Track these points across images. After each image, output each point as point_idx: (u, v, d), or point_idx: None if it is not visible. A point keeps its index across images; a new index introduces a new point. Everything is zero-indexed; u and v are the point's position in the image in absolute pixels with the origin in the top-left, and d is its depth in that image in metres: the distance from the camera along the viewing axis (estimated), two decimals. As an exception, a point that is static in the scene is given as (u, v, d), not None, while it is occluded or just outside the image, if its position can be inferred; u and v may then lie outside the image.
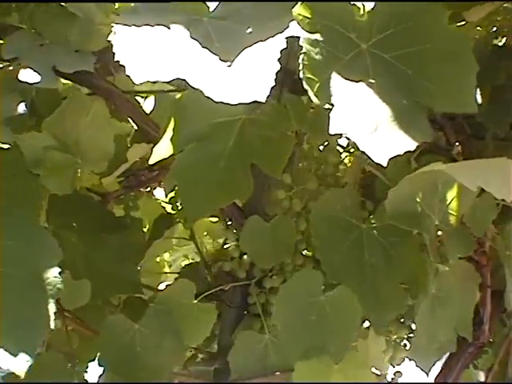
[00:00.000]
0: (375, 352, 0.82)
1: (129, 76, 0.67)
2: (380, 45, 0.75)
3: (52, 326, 0.66)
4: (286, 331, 0.75)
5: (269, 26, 0.74)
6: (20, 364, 0.64)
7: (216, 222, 1.06)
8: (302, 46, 0.70)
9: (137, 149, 0.85)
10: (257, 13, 0.76)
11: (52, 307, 0.67)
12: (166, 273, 1.14)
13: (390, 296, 0.79)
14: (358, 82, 0.72)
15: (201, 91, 0.78)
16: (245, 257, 0.87)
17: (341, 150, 0.98)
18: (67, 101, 0.79)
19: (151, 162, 0.78)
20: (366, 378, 0.74)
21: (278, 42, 0.70)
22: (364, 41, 0.75)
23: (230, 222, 1.01)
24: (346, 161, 1.02)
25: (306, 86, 0.69)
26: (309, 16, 0.73)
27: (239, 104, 0.66)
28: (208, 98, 0.73)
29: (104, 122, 0.82)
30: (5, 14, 0.80)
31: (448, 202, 0.79)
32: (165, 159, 0.80)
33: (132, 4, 0.77)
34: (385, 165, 0.66)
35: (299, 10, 0.73)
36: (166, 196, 1.00)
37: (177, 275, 1.04)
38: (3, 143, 0.69)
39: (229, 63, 0.70)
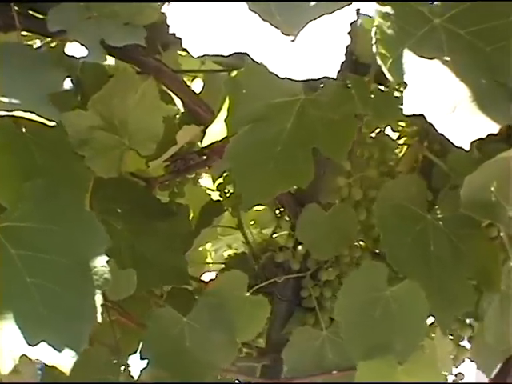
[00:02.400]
0: (441, 352, 0.74)
1: (181, 52, 0.61)
2: (455, 20, 0.66)
3: (99, 319, 0.60)
4: (348, 328, 0.68)
5: (334, -4, 0.66)
6: (64, 359, 0.57)
7: (261, 210, 0.99)
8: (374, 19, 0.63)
9: (187, 131, 0.78)
10: (320, -17, 0.68)
11: (99, 299, 0.60)
12: (209, 263, 1.07)
13: (457, 292, 0.70)
14: (431, 59, 0.65)
15: (260, 67, 0.71)
16: (299, 247, 0.80)
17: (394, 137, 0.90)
18: (115, 78, 0.71)
19: (204, 144, 0.71)
20: (435, 380, 0.67)
21: (348, 14, 0.62)
22: (437, 15, 0.67)
23: (278, 211, 0.94)
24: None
25: (379, 62, 0.61)
26: (379, -13, 0.66)
27: (304, 81, 0.59)
28: (272, 73, 0.67)
29: (153, 101, 0.74)
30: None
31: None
32: (216, 142, 0.73)
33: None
34: (467, 149, 0.58)
35: (371, -20, 0.66)
36: (214, 182, 0.93)
37: (221, 265, 0.97)
38: (49, 120, 0.62)
39: (292, 37, 0.63)
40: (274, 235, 0.96)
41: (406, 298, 0.68)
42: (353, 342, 0.68)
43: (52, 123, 0.61)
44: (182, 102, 0.79)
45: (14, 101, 0.62)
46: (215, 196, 0.97)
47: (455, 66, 0.64)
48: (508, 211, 0.69)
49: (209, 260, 1.08)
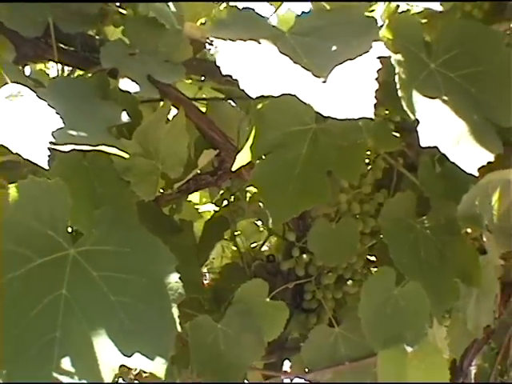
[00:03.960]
0: (439, 339, 0.91)
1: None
2: (446, 65, 0.84)
3: (179, 329, 0.69)
4: (368, 324, 0.82)
5: (352, 44, 0.80)
6: (158, 366, 0.67)
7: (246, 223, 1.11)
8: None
9: (206, 155, 0.88)
10: (338, 31, 0.82)
11: (175, 311, 0.70)
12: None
13: (444, 290, 0.87)
14: (434, 98, 0.80)
15: (279, 101, 0.84)
16: (304, 256, 0.93)
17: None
18: (159, 109, 0.81)
19: (234, 168, 0.82)
20: (440, 363, 0.83)
21: (373, 63, 0.76)
22: (432, 61, 0.83)
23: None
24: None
25: (403, 104, 0.76)
26: (391, 38, 0.81)
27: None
28: (290, 106, 0.81)
29: (181, 129, 0.84)
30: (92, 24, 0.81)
31: (493, 204, 0.89)
32: (243, 166, 0.84)
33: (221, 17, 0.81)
34: (476, 174, 0.74)
35: (384, 32, 0.80)
36: (212, 199, 1.04)
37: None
38: (126, 152, 0.69)
39: (323, 79, 0.76)
40: (255, 245, 1.10)
41: (410, 296, 0.84)
42: (373, 335, 0.82)
43: (126, 155, 0.70)
44: (198, 128, 0.90)
45: (82, 134, 0.71)
46: (202, 210, 1.08)
47: (452, 104, 0.80)
48: (485, 220, 0.88)
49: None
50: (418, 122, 0.77)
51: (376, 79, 0.74)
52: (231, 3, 0.95)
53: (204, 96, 1.03)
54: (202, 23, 0.97)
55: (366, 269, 0.99)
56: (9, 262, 0.66)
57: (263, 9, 0.91)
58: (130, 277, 0.70)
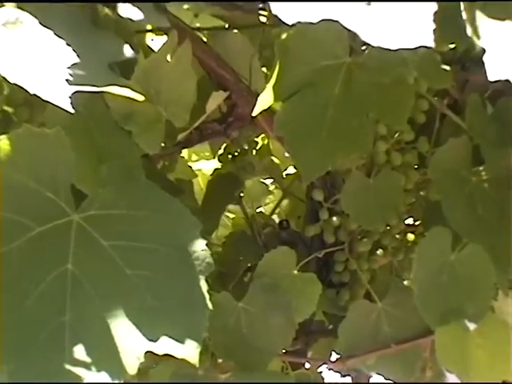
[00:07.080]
0: (507, 313, 0.96)
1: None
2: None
3: (210, 306, 0.73)
4: (421, 296, 0.87)
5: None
6: (189, 351, 0.70)
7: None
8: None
9: (215, 98, 0.91)
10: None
11: (204, 285, 0.73)
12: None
13: (508, 254, 0.93)
14: (503, 20, 0.84)
15: (307, 29, 0.87)
16: (333, 218, 0.97)
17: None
18: (167, 43, 0.83)
19: (255, 113, 0.85)
20: (508, 341, 0.88)
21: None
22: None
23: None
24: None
25: (467, 29, 0.80)
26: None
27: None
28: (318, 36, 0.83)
29: (187, 67, 0.86)
30: None
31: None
32: (264, 110, 0.87)
33: None
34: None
35: None
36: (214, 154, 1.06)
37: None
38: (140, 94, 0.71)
39: (366, 2, 0.79)
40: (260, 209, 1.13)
41: (470, 262, 0.88)
42: (428, 309, 0.87)
43: (141, 98, 0.73)
44: (203, 64, 0.92)
45: (79, 72, 0.72)
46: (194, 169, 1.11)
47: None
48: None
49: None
50: (483, 50, 0.81)
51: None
52: None
53: (198, 25, 1.05)
54: None
55: (403, 234, 1.04)
56: (2, 231, 0.68)
57: None
58: (148, 245, 0.72)
